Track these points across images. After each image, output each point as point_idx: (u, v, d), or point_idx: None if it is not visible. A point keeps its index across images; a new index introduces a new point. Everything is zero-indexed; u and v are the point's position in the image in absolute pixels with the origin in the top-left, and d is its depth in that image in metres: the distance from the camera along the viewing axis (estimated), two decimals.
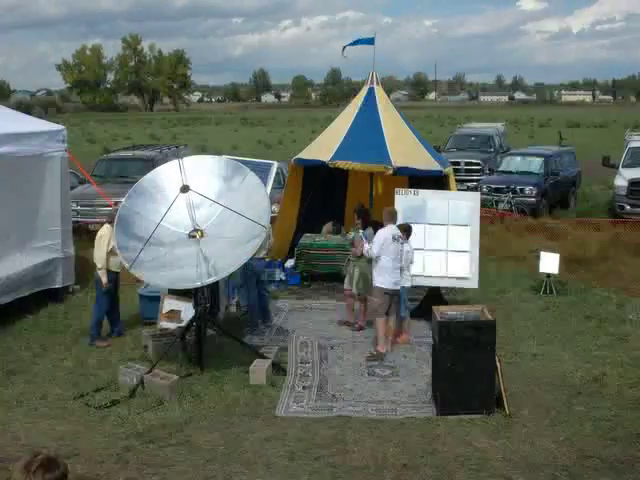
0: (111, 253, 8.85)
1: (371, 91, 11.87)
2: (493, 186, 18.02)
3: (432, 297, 9.76)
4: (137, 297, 9.91)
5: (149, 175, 9.08)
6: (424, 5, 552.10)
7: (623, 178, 16.98)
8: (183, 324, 8.71)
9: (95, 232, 13.94)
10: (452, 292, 10.59)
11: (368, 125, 11.40)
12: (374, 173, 11.54)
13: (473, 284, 9.71)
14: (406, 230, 8.86)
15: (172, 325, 8.93)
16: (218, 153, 14.01)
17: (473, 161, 21.39)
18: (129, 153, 17.43)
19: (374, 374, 8.09)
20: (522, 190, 17.53)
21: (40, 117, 14.18)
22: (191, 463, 6.14)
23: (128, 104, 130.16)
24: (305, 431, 6.66)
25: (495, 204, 17.38)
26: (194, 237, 8.43)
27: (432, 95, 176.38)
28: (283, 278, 11.72)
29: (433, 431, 6.66)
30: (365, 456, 6.21)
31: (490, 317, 7.17)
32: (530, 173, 18.39)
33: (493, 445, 6.37)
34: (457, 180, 15.55)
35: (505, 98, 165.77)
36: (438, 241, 9.71)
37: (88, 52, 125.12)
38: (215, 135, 49.94)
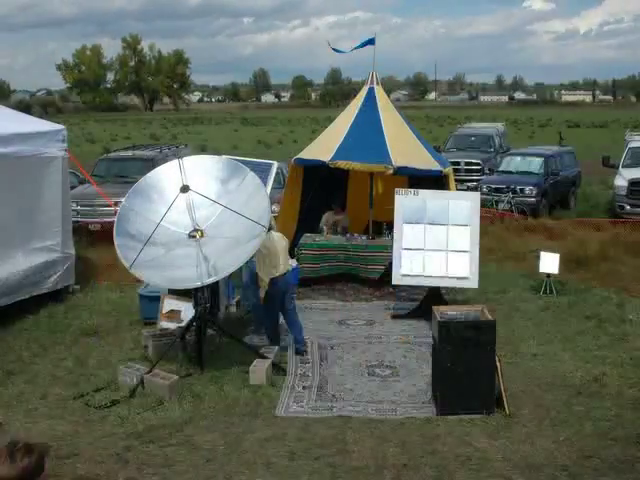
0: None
1: (371, 91, 11.87)
2: (493, 186, 18.02)
3: (432, 297, 9.75)
4: (137, 297, 9.90)
5: (149, 175, 9.08)
6: (428, 6, 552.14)
7: (623, 178, 16.98)
8: (183, 324, 8.71)
9: (95, 232, 14.12)
10: (452, 292, 10.59)
11: (368, 125, 11.40)
12: (374, 173, 11.54)
13: (473, 284, 9.71)
14: None
15: (172, 325, 8.94)
16: (218, 153, 14.01)
17: (473, 161, 21.40)
18: (129, 153, 17.42)
19: (374, 374, 8.09)
20: (522, 190, 17.53)
21: (40, 117, 14.17)
22: (191, 463, 6.14)
23: (128, 104, 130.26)
24: (305, 431, 6.66)
25: (495, 204, 17.39)
26: (194, 237, 8.43)
27: (432, 95, 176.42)
28: None
29: (433, 431, 6.65)
30: (365, 456, 6.21)
31: (490, 317, 7.17)
32: (530, 173, 18.39)
33: (493, 445, 6.37)
34: (457, 180, 15.58)
35: (505, 98, 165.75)
36: (438, 241, 9.71)
37: (88, 52, 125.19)
38: (215, 135, 49.96)
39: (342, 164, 11.02)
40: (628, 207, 16.52)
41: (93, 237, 13.59)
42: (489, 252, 12.59)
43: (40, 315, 9.99)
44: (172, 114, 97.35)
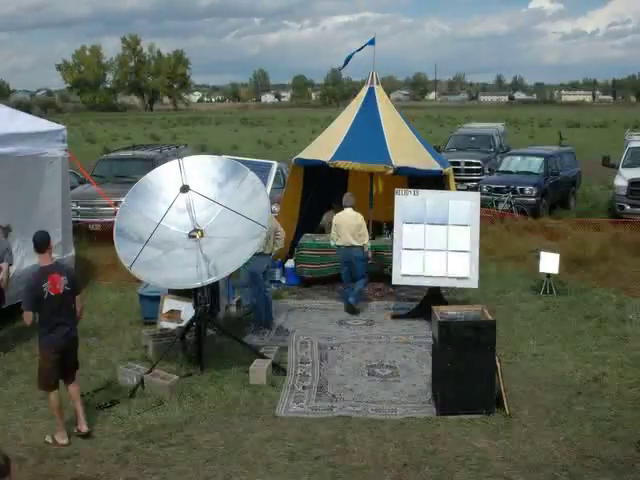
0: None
1: (371, 91, 11.87)
2: (493, 186, 18.01)
3: (432, 297, 9.76)
4: (137, 297, 9.90)
5: (149, 175, 9.08)
6: (430, 6, 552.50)
7: (623, 178, 16.97)
8: (183, 324, 8.71)
9: (95, 232, 14.12)
10: (452, 292, 10.59)
11: (368, 125, 11.40)
12: (374, 173, 11.54)
13: (473, 284, 9.71)
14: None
15: (172, 325, 8.94)
16: (218, 153, 14.01)
17: (473, 161, 21.39)
18: (129, 153, 17.42)
19: (374, 374, 8.09)
20: (522, 190, 17.52)
21: (40, 117, 14.17)
22: (191, 463, 6.14)
23: (128, 104, 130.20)
24: (305, 431, 6.66)
25: (495, 204, 17.38)
26: (194, 237, 8.43)
27: (432, 95, 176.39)
28: (283, 281, 11.71)
29: (433, 431, 6.66)
30: (365, 456, 6.22)
31: (490, 317, 7.17)
32: (530, 173, 18.38)
33: (493, 445, 6.37)
34: (457, 180, 15.58)
35: (505, 98, 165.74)
36: (438, 241, 9.71)
37: (88, 52, 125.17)
38: (215, 135, 49.95)
39: (342, 164, 11.02)
40: (628, 207, 16.51)
41: (93, 237, 13.59)
42: (489, 252, 12.59)
43: None
44: (172, 114, 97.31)
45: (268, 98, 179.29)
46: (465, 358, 6.89)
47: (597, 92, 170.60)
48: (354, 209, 10.29)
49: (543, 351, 8.65)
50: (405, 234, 9.77)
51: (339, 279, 11.45)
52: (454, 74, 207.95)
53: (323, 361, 8.49)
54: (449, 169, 11.52)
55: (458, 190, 14.78)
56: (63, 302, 6.52)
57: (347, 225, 10.15)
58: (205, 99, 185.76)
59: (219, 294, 9.63)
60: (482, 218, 10.43)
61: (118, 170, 16.18)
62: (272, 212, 9.33)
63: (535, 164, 18.70)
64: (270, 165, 11.13)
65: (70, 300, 6.60)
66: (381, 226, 11.78)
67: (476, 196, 10.23)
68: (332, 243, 10.43)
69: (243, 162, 9.49)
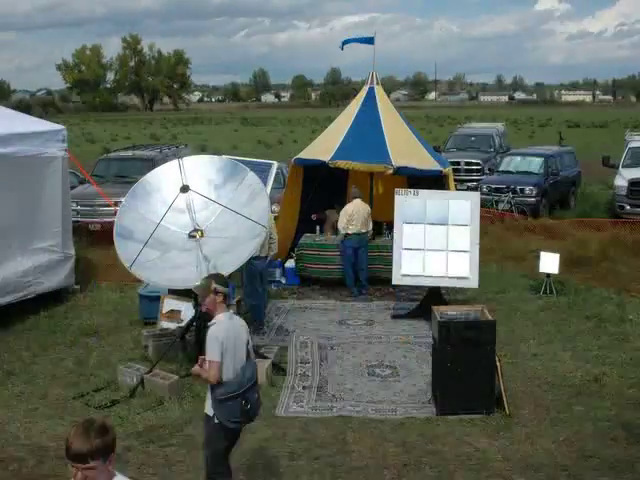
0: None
1: (371, 91, 11.88)
2: (493, 186, 18.01)
3: (432, 297, 9.76)
4: (137, 297, 9.90)
5: (149, 175, 9.08)
6: (433, 7, 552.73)
7: (623, 178, 16.97)
8: (183, 324, 8.71)
9: (95, 232, 14.12)
10: (452, 292, 10.59)
11: (368, 125, 11.41)
12: (374, 173, 11.54)
13: (473, 284, 9.71)
14: None
15: (172, 325, 8.94)
16: (218, 153, 14.00)
17: (473, 161, 21.39)
18: (129, 153, 17.42)
19: (374, 374, 8.09)
20: (522, 190, 17.52)
21: (40, 117, 14.18)
22: (191, 463, 6.14)
23: (128, 104, 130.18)
24: (305, 431, 6.66)
25: (495, 204, 17.38)
26: (194, 237, 8.43)
27: (432, 95, 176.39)
28: (283, 281, 11.71)
29: (433, 431, 6.66)
30: (365, 456, 6.21)
31: (490, 317, 7.17)
32: (530, 173, 18.38)
33: (493, 445, 6.38)
34: (457, 180, 15.60)
35: (505, 98, 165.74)
36: (438, 241, 9.71)
37: (88, 52, 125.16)
38: (215, 135, 49.96)
39: (342, 164, 11.03)
40: (628, 207, 16.51)
41: (93, 237, 13.58)
42: (489, 252, 12.58)
43: (40, 315, 9.98)
44: (172, 114, 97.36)
45: (268, 98, 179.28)
46: (465, 358, 6.89)
47: (597, 92, 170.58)
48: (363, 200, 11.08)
49: (543, 351, 8.65)
50: (405, 234, 9.77)
51: (339, 279, 11.47)
52: (454, 74, 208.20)
53: (323, 361, 8.48)
54: (449, 169, 11.52)
55: (458, 190, 14.78)
56: None
57: (361, 213, 10.90)
58: (205, 99, 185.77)
59: None
60: (482, 218, 10.44)
61: (118, 170, 16.18)
62: (272, 212, 9.33)
63: (535, 164, 18.70)
64: (270, 165, 11.13)
65: None
66: (381, 226, 11.78)
67: (476, 196, 10.24)
68: (343, 232, 10.94)
69: (243, 162, 9.50)
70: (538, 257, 11.31)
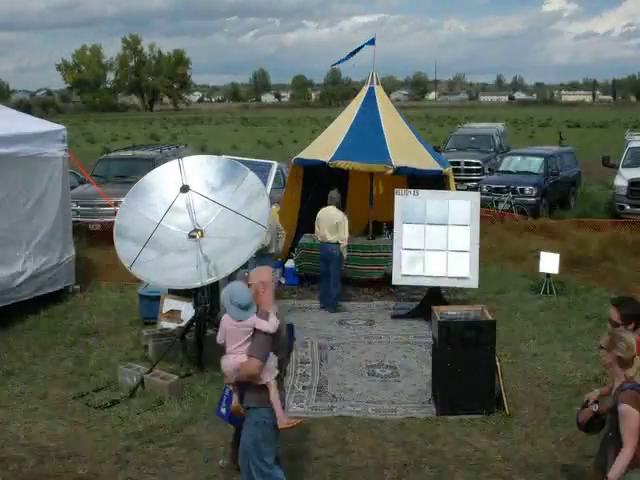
0: None
1: (371, 91, 11.87)
2: (493, 186, 18.02)
3: (432, 297, 9.76)
4: (137, 297, 9.89)
5: (149, 175, 9.08)
6: (435, 7, 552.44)
7: (623, 178, 16.99)
8: (183, 324, 8.71)
9: (95, 232, 14.12)
10: (452, 292, 10.58)
11: (368, 125, 11.40)
12: (374, 173, 11.54)
13: (473, 284, 9.71)
14: None
15: (172, 325, 8.94)
16: (218, 153, 14.01)
17: (473, 161, 21.39)
18: (129, 153, 17.42)
19: (374, 374, 8.09)
20: (522, 190, 17.53)
21: (40, 117, 14.18)
22: (191, 463, 6.14)
23: (128, 104, 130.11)
24: (305, 431, 6.66)
25: (495, 204, 17.38)
26: (194, 237, 8.42)
27: (432, 95, 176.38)
28: (283, 281, 11.71)
29: (433, 431, 6.66)
30: (365, 456, 6.21)
31: (490, 317, 7.17)
32: (530, 173, 18.39)
33: (493, 445, 6.38)
34: (457, 180, 15.58)
35: (505, 98, 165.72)
36: (438, 241, 9.70)
37: (88, 52, 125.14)
38: (215, 135, 49.95)
39: (342, 164, 11.02)
40: (628, 207, 16.52)
41: (93, 237, 13.59)
42: (489, 252, 12.58)
43: (40, 315, 9.99)
44: (172, 114, 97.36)
45: (268, 98, 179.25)
46: (465, 358, 6.89)
47: (597, 92, 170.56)
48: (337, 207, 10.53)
49: (543, 351, 8.65)
50: (405, 234, 9.77)
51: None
52: (454, 74, 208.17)
53: (323, 361, 8.48)
54: (449, 169, 11.51)
55: (458, 190, 14.78)
56: None
57: (327, 221, 10.38)
58: (205, 99, 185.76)
59: (219, 294, 9.62)
60: (482, 218, 10.44)
61: (118, 170, 16.18)
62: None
63: (535, 164, 18.71)
64: (270, 165, 11.11)
65: None
66: (381, 226, 11.78)
67: (476, 196, 10.24)
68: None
69: (243, 162, 9.49)
70: (538, 257, 11.32)
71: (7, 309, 9.60)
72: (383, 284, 11.05)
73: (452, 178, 11.71)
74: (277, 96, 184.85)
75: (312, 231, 11.99)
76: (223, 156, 10.11)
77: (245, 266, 10.06)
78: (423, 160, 11.26)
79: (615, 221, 15.40)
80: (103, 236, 12.10)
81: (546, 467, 6.01)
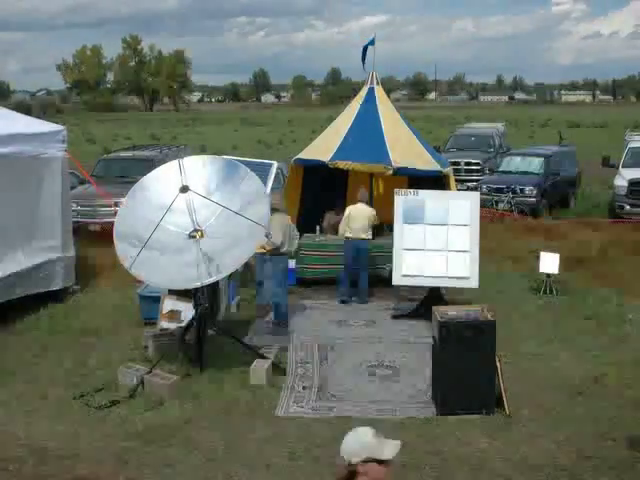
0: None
1: (371, 91, 11.87)
2: (493, 186, 18.03)
3: (432, 297, 9.76)
4: (137, 297, 9.89)
5: (149, 175, 9.07)
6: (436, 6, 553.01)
7: (623, 178, 16.98)
8: (183, 324, 8.71)
9: (95, 232, 14.12)
10: (452, 292, 10.58)
11: (368, 125, 11.40)
12: (374, 173, 11.54)
13: (473, 284, 9.71)
14: None
15: (172, 325, 8.94)
16: (218, 153, 14.01)
17: (473, 161, 21.40)
18: (129, 153, 17.43)
19: (374, 374, 8.09)
20: (522, 190, 17.54)
21: (40, 117, 14.19)
22: (191, 463, 6.14)
23: (128, 104, 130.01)
24: (305, 431, 6.66)
25: (495, 204, 17.39)
26: (194, 237, 8.42)
27: (432, 95, 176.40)
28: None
29: (433, 431, 6.66)
30: None
31: (490, 317, 7.17)
32: (530, 173, 18.40)
33: (493, 445, 6.37)
34: (457, 180, 15.56)
35: (505, 98, 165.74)
36: (438, 241, 9.71)
37: (88, 52, 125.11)
38: (215, 135, 49.94)
39: (342, 164, 11.02)
40: (628, 207, 16.52)
41: (93, 237, 13.59)
42: (489, 252, 12.57)
43: (40, 315, 9.99)
44: (172, 114, 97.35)
45: (268, 98, 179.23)
46: (465, 358, 6.89)
47: (597, 92, 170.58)
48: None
49: (543, 351, 8.65)
50: (405, 234, 9.77)
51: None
52: (454, 74, 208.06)
53: (323, 361, 8.48)
54: (449, 169, 11.52)
55: (458, 190, 14.77)
56: None
57: (360, 219, 10.60)
58: (205, 99, 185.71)
59: (219, 294, 9.63)
60: (482, 218, 10.44)
61: (118, 170, 16.18)
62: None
63: (535, 164, 18.72)
64: (270, 165, 11.13)
65: None
66: (381, 226, 11.77)
67: (476, 196, 10.24)
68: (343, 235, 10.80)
69: (243, 162, 9.49)
70: (538, 257, 11.31)
71: (7, 309, 9.60)
72: (383, 284, 11.05)
73: (452, 178, 11.71)
74: (277, 96, 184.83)
75: (312, 231, 12.02)
76: (223, 156, 10.12)
77: (246, 266, 10.09)
78: (423, 160, 11.26)
79: (615, 221, 15.41)
80: (103, 236, 12.09)
81: (546, 467, 6.01)
